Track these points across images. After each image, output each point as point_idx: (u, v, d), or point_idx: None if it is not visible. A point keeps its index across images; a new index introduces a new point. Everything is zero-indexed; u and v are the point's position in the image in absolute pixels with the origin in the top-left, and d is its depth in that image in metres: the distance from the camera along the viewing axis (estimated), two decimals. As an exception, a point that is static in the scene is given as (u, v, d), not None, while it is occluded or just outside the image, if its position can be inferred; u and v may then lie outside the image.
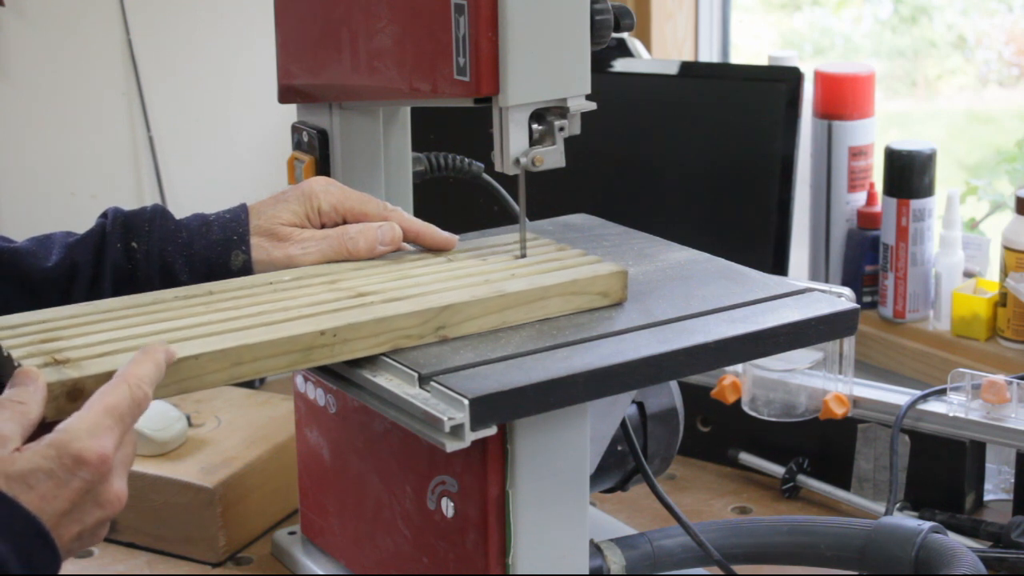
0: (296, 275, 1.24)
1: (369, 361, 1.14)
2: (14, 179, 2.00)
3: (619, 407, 1.31)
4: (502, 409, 1.08)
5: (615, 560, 1.31)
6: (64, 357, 1.04)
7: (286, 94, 1.45)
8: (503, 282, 1.22)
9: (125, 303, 1.17)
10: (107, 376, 1.00)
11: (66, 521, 0.94)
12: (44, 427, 0.97)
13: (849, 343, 1.61)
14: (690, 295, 1.27)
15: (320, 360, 1.12)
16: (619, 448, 1.37)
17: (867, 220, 1.94)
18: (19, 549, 0.90)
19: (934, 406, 1.58)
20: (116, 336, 1.09)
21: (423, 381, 1.10)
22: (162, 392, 1.04)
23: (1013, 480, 1.56)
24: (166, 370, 1.03)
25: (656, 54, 2.28)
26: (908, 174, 1.87)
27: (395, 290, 1.20)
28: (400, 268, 1.26)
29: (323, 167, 1.43)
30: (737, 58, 2.52)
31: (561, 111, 1.25)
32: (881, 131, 1.98)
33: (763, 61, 2.05)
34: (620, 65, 1.92)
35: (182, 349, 1.06)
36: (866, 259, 1.95)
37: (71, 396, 1.00)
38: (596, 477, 1.33)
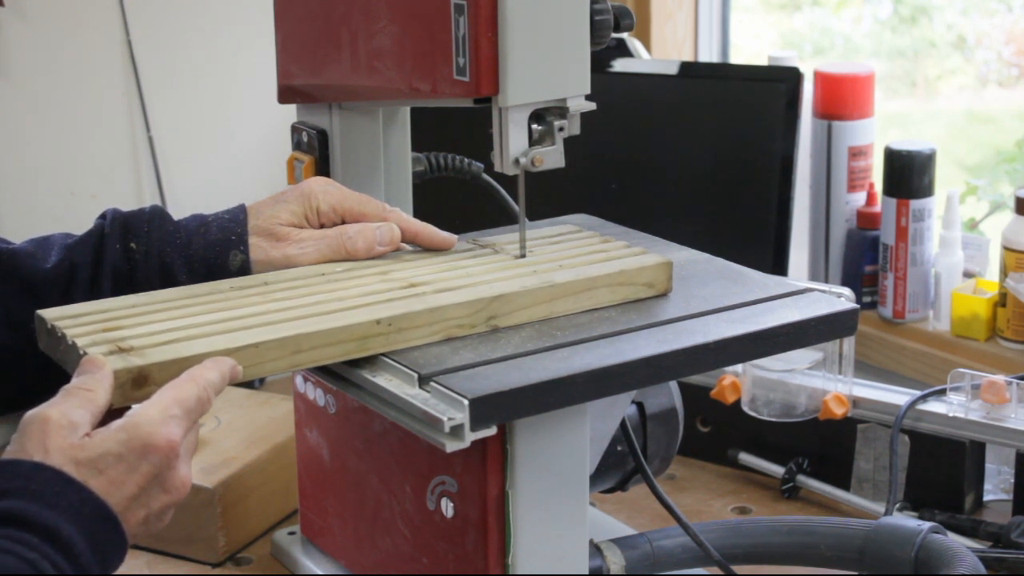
0: (348, 266, 1.25)
1: (369, 361, 1.14)
2: (14, 179, 2.00)
3: (619, 407, 1.31)
4: (502, 409, 1.08)
5: (615, 560, 1.31)
6: (128, 345, 1.06)
7: (286, 94, 1.45)
8: (551, 273, 1.24)
9: (182, 293, 1.19)
10: (171, 364, 1.03)
11: (134, 505, 0.97)
12: (110, 414, 0.99)
13: (849, 343, 1.61)
14: (690, 295, 1.27)
15: (375, 349, 1.14)
16: (619, 448, 1.37)
17: (867, 220, 1.94)
18: (88, 533, 0.93)
19: (934, 406, 1.58)
20: (178, 325, 1.11)
21: (423, 381, 1.10)
22: None
23: (1013, 480, 1.56)
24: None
25: (656, 54, 2.28)
26: (908, 174, 1.87)
27: (446, 280, 1.22)
28: (449, 259, 1.28)
29: (323, 167, 1.43)
30: (737, 58, 2.52)
31: (561, 111, 1.25)
32: (881, 131, 1.98)
33: (763, 61, 2.05)
34: (620, 65, 1.92)
35: (243, 337, 1.08)
36: (866, 259, 1.94)
37: (136, 383, 1.02)
38: (596, 477, 1.33)
